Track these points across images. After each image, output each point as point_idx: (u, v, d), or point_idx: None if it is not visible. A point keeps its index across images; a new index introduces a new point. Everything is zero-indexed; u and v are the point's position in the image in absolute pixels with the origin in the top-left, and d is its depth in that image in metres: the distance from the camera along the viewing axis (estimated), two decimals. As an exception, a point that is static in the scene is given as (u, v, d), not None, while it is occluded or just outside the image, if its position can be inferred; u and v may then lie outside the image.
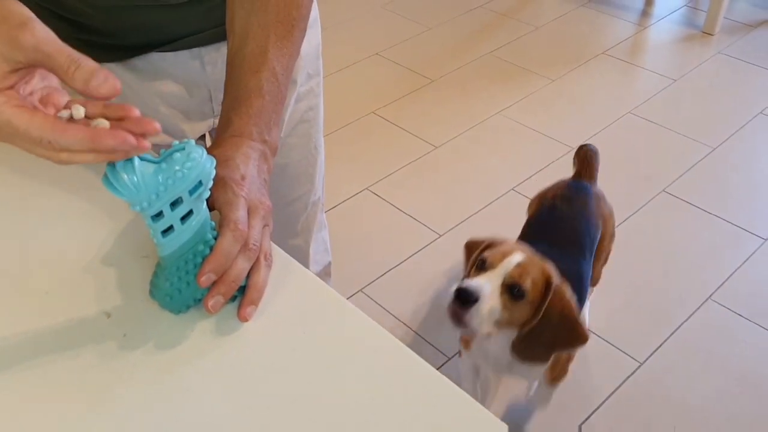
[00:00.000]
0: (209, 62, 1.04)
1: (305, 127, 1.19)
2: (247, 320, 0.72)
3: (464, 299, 1.27)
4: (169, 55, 1.02)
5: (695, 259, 2.21)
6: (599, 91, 2.98)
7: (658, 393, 1.83)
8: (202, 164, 0.65)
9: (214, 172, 0.66)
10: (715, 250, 2.24)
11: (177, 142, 0.65)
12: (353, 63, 3.12)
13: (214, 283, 0.70)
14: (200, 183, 0.65)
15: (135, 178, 0.61)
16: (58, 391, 0.65)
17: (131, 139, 0.58)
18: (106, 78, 0.58)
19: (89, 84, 0.58)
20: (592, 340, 1.94)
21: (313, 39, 1.14)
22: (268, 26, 0.87)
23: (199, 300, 0.72)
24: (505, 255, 1.32)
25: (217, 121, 1.10)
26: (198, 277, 0.68)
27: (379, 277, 2.16)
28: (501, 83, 3.00)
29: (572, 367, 1.65)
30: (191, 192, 0.65)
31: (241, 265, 0.71)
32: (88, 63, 0.59)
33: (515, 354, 1.37)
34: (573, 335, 1.36)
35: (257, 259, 0.73)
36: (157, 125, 0.60)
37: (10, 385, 0.65)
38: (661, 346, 1.94)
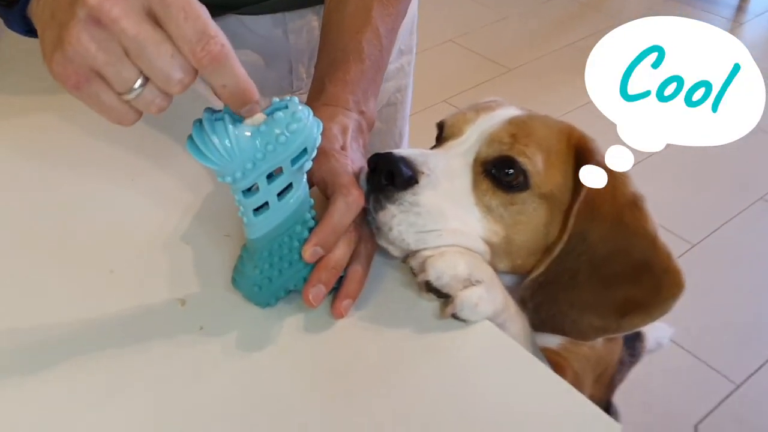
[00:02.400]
0: (292, 30, 0.94)
1: (391, 111, 1.07)
2: (342, 315, 0.60)
3: (388, 174, 0.63)
4: (249, 20, 0.92)
5: (797, 274, 2.03)
6: (690, 88, 2.79)
7: (756, 420, 1.66)
8: (309, 127, 0.53)
9: (320, 139, 0.55)
10: (820, 265, 2.05)
11: (277, 99, 0.53)
12: (425, 49, 2.99)
13: (314, 271, 0.58)
14: (304, 151, 0.54)
15: (228, 142, 0.49)
16: (123, 387, 0.54)
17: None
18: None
19: None
20: (682, 358, 1.79)
21: (408, 10, 1.03)
22: None
23: (289, 292, 0.60)
24: (483, 111, 0.73)
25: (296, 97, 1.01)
26: (303, 251, 0.57)
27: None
28: (583, 76, 2.83)
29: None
30: (293, 161, 0.53)
31: (343, 250, 0.60)
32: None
33: (533, 313, 0.68)
34: (650, 274, 0.67)
35: (357, 245, 0.62)
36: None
37: (70, 378, 0.55)
38: (760, 368, 1.77)
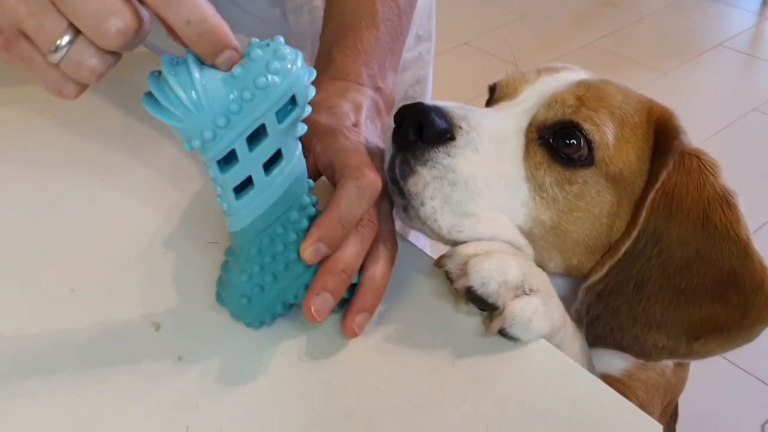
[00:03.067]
0: (292, 10, 0.84)
1: None
2: (356, 335, 0.48)
3: (417, 127, 0.52)
4: (244, 1, 0.82)
5: None
6: (719, 85, 2.74)
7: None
8: (296, 71, 0.40)
9: (313, 91, 0.42)
10: None
11: (256, 39, 0.41)
12: (440, 53, 2.88)
13: (318, 275, 0.46)
14: (293, 102, 0.41)
15: (193, 93, 0.38)
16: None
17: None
18: None
19: None
20: (728, 371, 1.66)
21: None
22: None
23: (290, 306, 0.48)
24: (545, 72, 0.62)
25: None
26: (302, 248, 0.45)
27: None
28: (604, 74, 2.72)
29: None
30: (280, 117, 0.41)
31: (354, 248, 0.47)
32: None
33: (588, 327, 0.56)
34: (737, 291, 0.54)
35: (374, 244, 0.49)
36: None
37: (21, 414, 0.43)
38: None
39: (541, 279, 0.49)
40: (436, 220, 0.51)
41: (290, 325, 0.48)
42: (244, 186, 0.42)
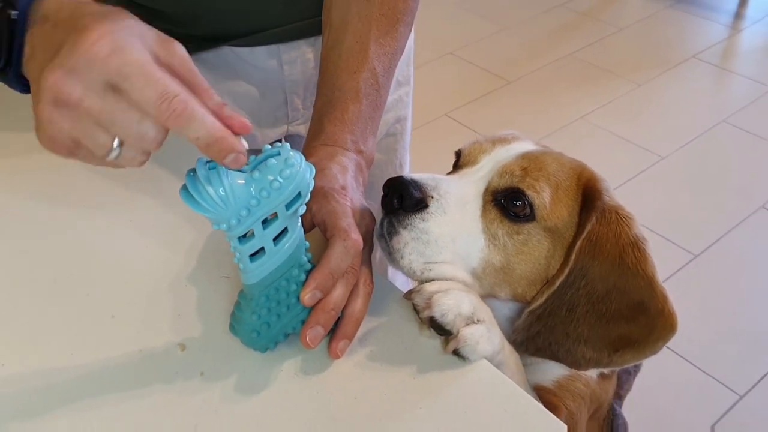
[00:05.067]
0: (287, 62, 0.94)
1: (391, 142, 1.07)
2: (339, 356, 0.61)
3: (399, 196, 0.67)
4: (243, 51, 0.93)
5: (800, 283, 2.02)
6: (690, 97, 2.80)
7: (760, 430, 1.65)
8: (302, 173, 0.54)
9: (313, 183, 0.55)
10: (823, 274, 2.04)
11: (268, 146, 0.54)
12: (425, 63, 2.99)
13: (312, 313, 0.59)
14: (298, 195, 0.54)
15: (222, 191, 0.50)
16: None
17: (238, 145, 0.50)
18: (238, 115, 0.51)
19: (223, 108, 0.51)
20: (684, 369, 1.79)
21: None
22: (371, 19, 0.76)
23: (288, 335, 0.61)
24: (499, 143, 0.75)
25: (291, 128, 1.01)
26: (302, 295, 0.58)
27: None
28: (583, 86, 2.84)
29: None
30: (288, 206, 0.54)
31: (341, 291, 0.60)
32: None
33: (529, 341, 0.70)
34: (645, 315, 0.67)
35: (355, 285, 0.62)
36: (248, 123, 0.51)
37: (68, 424, 0.55)
38: (762, 378, 1.77)
39: (486, 312, 0.63)
40: (411, 267, 0.66)
41: (288, 349, 0.61)
42: (257, 252, 0.55)
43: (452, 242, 0.67)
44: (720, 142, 2.54)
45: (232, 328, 0.61)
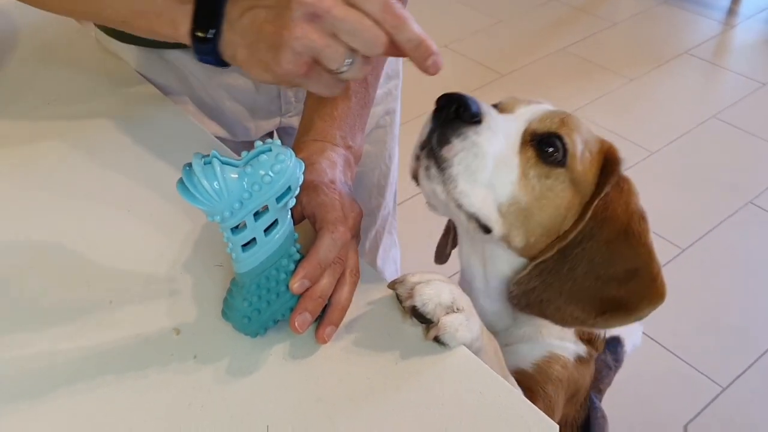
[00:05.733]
0: None
1: (380, 134, 1.10)
2: (326, 342, 0.64)
3: (456, 109, 0.70)
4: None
5: (784, 277, 2.06)
6: (681, 93, 2.83)
7: (743, 422, 1.70)
8: (292, 168, 0.57)
9: (303, 178, 0.59)
10: (807, 269, 2.08)
11: (260, 142, 0.57)
12: (421, 55, 3.02)
13: (300, 300, 0.62)
14: (288, 189, 0.58)
15: (217, 184, 0.53)
16: (122, 413, 0.58)
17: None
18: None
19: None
20: (670, 361, 1.83)
21: None
22: None
23: (277, 321, 0.64)
24: (534, 102, 0.79)
25: (284, 120, 1.03)
26: (291, 283, 0.61)
27: (443, 281, 2.06)
28: (576, 81, 2.87)
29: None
30: (278, 200, 0.57)
31: (328, 280, 0.64)
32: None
33: (523, 295, 0.74)
34: (638, 281, 0.72)
35: (342, 274, 0.66)
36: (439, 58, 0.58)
37: (70, 403, 0.59)
38: (745, 371, 1.81)
39: (466, 301, 0.66)
40: (455, 181, 0.69)
41: (277, 335, 0.64)
42: (249, 243, 0.59)
43: (493, 165, 0.70)
44: (710, 138, 2.58)
45: (225, 313, 0.64)
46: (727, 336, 1.90)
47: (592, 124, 2.85)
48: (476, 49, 3.07)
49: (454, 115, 0.69)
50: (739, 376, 1.79)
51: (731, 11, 3.35)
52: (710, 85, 2.92)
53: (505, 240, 0.73)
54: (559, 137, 0.72)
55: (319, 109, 0.76)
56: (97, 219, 0.77)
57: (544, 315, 0.74)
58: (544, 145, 0.72)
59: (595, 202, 0.71)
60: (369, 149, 1.09)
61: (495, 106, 0.79)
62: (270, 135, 1.08)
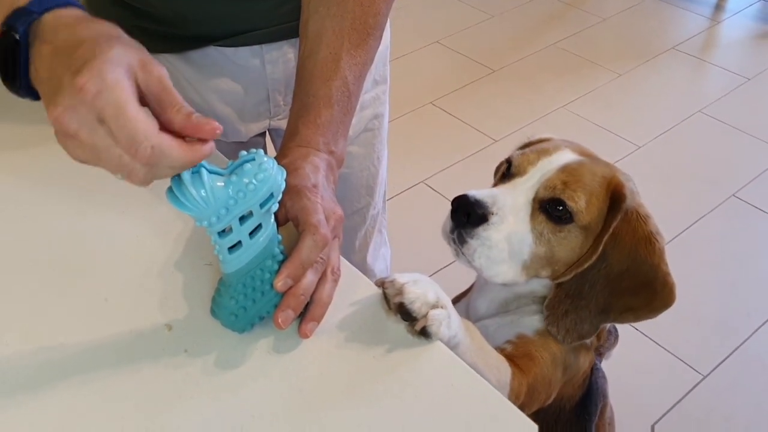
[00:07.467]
0: (270, 61, 1.00)
1: (368, 137, 1.14)
2: (308, 337, 0.69)
3: (466, 213, 0.83)
4: (228, 51, 0.98)
5: (765, 269, 2.10)
6: (668, 87, 2.87)
7: (723, 409, 1.74)
8: (274, 176, 0.61)
9: (284, 185, 0.63)
10: (788, 262, 2.13)
11: (245, 152, 0.62)
12: (412, 51, 3.05)
13: (284, 298, 0.67)
14: (271, 195, 0.62)
15: (204, 192, 0.58)
16: (115, 405, 0.63)
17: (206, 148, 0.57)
18: (209, 120, 0.57)
19: (191, 118, 0.56)
20: (652, 350, 1.88)
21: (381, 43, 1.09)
22: (343, 33, 0.82)
23: (263, 318, 0.69)
24: (542, 154, 0.88)
25: (273, 122, 1.07)
26: (275, 282, 0.65)
27: (431, 275, 2.11)
28: (565, 76, 2.91)
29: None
30: (262, 205, 0.62)
31: (310, 278, 0.68)
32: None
33: (561, 323, 0.87)
34: (648, 290, 0.85)
35: (323, 273, 0.70)
36: (217, 126, 0.57)
37: (65, 397, 0.63)
38: (725, 359, 1.85)
39: (447, 301, 0.72)
40: (480, 266, 0.84)
41: (263, 330, 0.69)
42: (234, 245, 0.63)
43: (509, 242, 0.84)
44: (695, 132, 2.62)
45: (213, 311, 0.68)
46: (709, 326, 1.94)
47: (581, 119, 2.90)
48: (468, 44, 3.10)
49: (465, 219, 0.82)
50: (719, 365, 1.84)
51: (718, 7, 3.37)
52: (697, 80, 2.94)
53: (536, 276, 0.88)
54: (562, 202, 0.84)
55: (303, 116, 0.79)
56: (92, 219, 0.81)
57: (582, 337, 0.87)
58: (553, 207, 0.84)
59: (605, 238, 0.84)
60: (358, 151, 1.12)
61: (508, 161, 0.91)
62: (261, 136, 1.12)
